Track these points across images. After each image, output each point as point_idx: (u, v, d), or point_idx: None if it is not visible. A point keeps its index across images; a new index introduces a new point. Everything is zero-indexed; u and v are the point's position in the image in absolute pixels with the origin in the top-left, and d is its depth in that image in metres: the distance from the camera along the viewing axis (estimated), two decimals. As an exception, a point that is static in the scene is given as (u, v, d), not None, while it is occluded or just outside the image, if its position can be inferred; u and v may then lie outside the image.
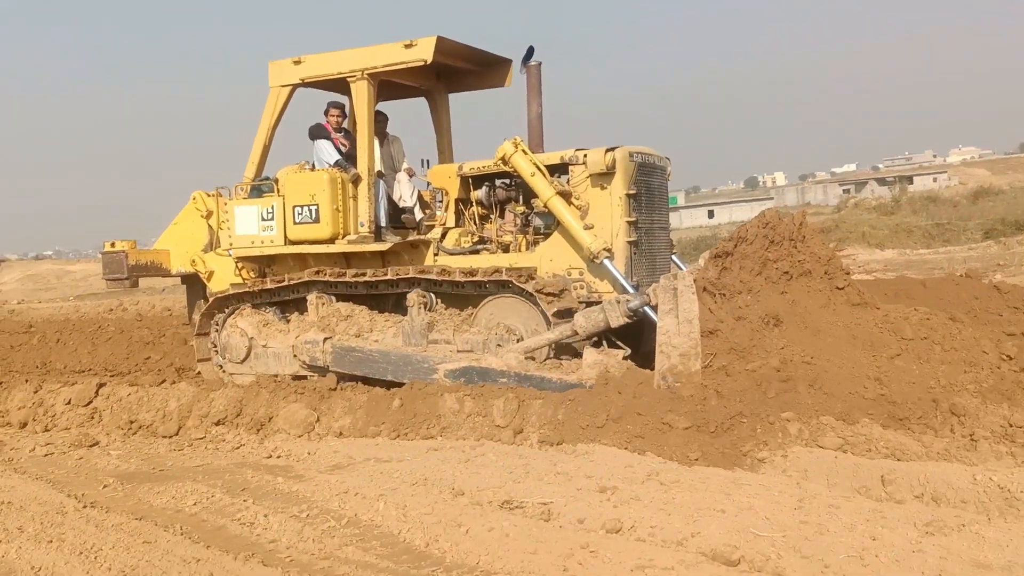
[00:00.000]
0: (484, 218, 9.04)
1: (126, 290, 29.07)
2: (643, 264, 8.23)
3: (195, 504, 5.46)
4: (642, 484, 5.26)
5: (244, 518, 5.15)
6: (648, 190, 8.33)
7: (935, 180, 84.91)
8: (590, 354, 7.09)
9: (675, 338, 6.39)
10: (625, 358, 7.13)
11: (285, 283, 8.85)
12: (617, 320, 7.20)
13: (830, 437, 5.82)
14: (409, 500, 5.17)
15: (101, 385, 8.31)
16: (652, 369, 6.56)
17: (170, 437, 7.41)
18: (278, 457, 6.58)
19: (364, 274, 8.48)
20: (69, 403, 8.03)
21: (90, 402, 8.02)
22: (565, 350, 7.76)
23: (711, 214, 79.16)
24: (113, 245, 10.10)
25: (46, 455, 7.01)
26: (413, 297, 8.22)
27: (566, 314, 7.55)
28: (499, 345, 7.69)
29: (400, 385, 7.64)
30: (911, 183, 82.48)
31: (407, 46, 8.29)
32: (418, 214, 9.29)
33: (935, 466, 5.17)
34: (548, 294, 7.61)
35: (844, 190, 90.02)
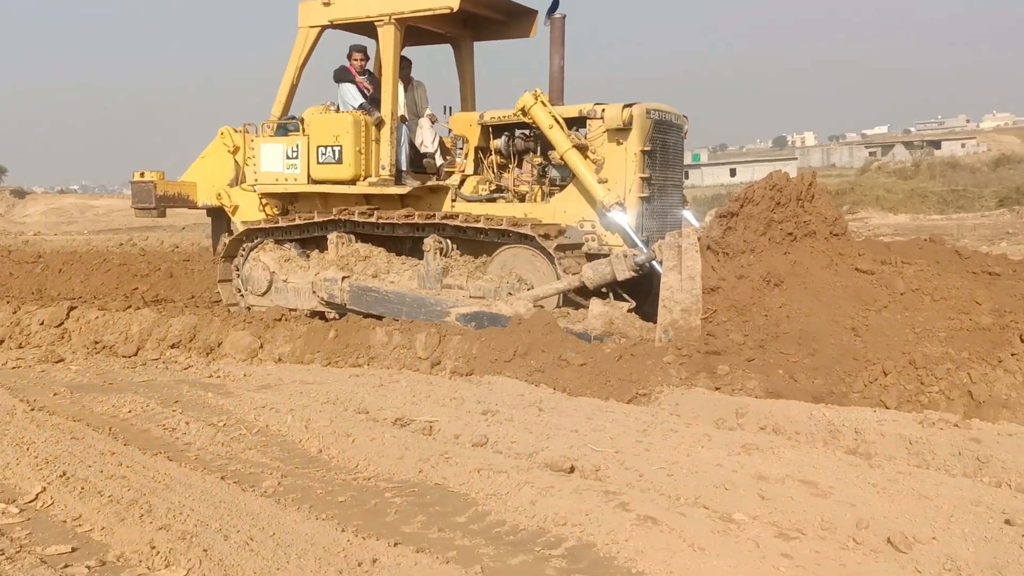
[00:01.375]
0: (502, 167, 9.21)
1: (144, 224, 30.07)
2: (654, 220, 8.40)
3: (129, 412, 6.07)
4: (523, 409, 5.87)
5: (168, 424, 5.81)
6: (663, 147, 8.48)
7: (963, 146, 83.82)
8: (596, 305, 7.37)
9: (677, 293, 6.61)
10: (630, 311, 7.46)
11: (312, 220, 9.15)
12: (623, 273, 7.39)
13: (703, 377, 6.46)
14: (315, 415, 5.79)
15: (72, 308, 8.76)
16: (655, 323, 6.84)
17: (128, 357, 7.99)
18: (218, 377, 7.18)
19: (391, 216, 8.71)
20: (43, 323, 8.49)
21: (61, 323, 8.47)
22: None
23: (733, 172, 78.73)
24: (143, 175, 10.41)
25: (14, 368, 7.57)
26: (430, 242, 8.42)
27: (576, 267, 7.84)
28: (510, 293, 7.89)
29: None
30: (938, 148, 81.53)
31: None
32: (438, 160, 9.46)
33: (782, 403, 5.75)
34: (563, 247, 7.93)
35: (870, 152, 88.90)
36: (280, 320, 8.22)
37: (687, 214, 9.00)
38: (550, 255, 7.89)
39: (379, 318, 8.30)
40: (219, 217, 10.60)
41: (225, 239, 10.07)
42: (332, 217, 8.99)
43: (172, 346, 8.11)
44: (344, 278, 8.66)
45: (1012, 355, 6.01)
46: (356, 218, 8.82)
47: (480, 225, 8.20)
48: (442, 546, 3.81)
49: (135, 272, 13.00)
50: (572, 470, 4.71)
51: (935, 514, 3.92)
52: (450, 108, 9.80)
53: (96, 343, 8.27)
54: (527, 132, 9.04)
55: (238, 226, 9.98)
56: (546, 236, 7.93)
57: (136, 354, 8.10)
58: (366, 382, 6.75)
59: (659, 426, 5.41)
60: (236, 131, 10.01)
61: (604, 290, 7.73)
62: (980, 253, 7.96)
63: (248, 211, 9.95)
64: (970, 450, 4.73)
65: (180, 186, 10.42)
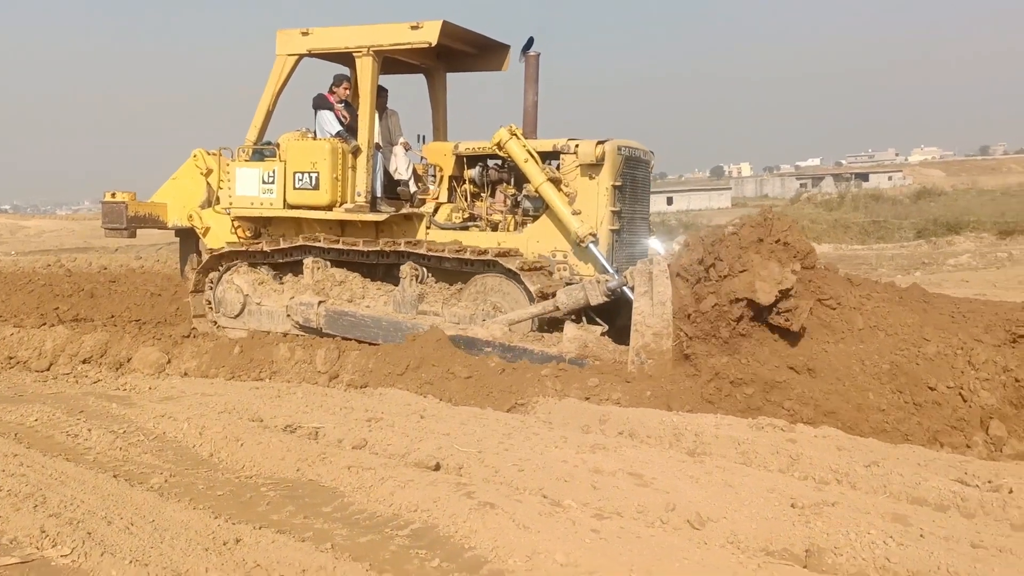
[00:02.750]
0: (475, 196, 9.41)
1: (75, 246, 29.84)
2: (623, 251, 8.71)
3: (35, 420, 6.42)
4: (406, 417, 6.40)
5: (71, 431, 6.19)
6: (633, 182, 8.80)
7: (890, 178, 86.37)
8: (570, 328, 7.62)
9: (649, 318, 6.90)
10: (603, 334, 7.69)
11: (288, 246, 9.31)
12: (596, 298, 7.67)
13: (575, 389, 7.08)
14: (210, 423, 6.23)
15: (-11, 326, 8.92)
16: (627, 345, 7.12)
17: (41, 372, 8.31)
18: (124, 390, 7.57)
19: (376, 243, 8.90)
20: (-40, 340, 8.80)
21: (-22, 341, 8.78)
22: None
23: (670, 201, 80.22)
24: (114, 195, 10.43)
25: (-72, 382, 7.94)
26: (406, 269, 8.64)
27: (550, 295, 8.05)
28: (484, 320, 8.09)
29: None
30: (867, 180, 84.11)
31: (413, 27, 8.65)
32: (412, 187, 9.69)
33: (639, 411, 6.39)
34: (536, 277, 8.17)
35: (801, 184, 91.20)
36: (188, 337, 8.65)
37: (654, 242, 9.54)
38: (528, 289, 8.12)
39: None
40: (187, 238, 10.73)
41: (193, 260, 10.33)
42: (315, 244, 9.18)
43: (84, 361, 8.45)
44: (320, 302, 8.85)
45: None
46: (340, 246, 9.07)
47: (466, 256, 8.43)
48: (302, 529, 4.34)
49: (58, 292, 13.11)
50: (437, 467, 5.28)
51: (733, 499, 4.56)
52: (423, 137, 10.08)
53: (10, 358, 8.56)
54: (500, 163, 9.28)
55: (209, 247, 10.09)
56: (530, 269, 8.23)
57: (48, 369, 8.42)
58: (264, 394, 7.23)
59: (524, 430, 6.01)
60: (210, 154, 10.15)
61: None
62: (870, 281, 8.46)
63: (220, 233, 10.09)
64: (786, 449, 5.40)
65: (151, 207, 10.51)
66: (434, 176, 9.75)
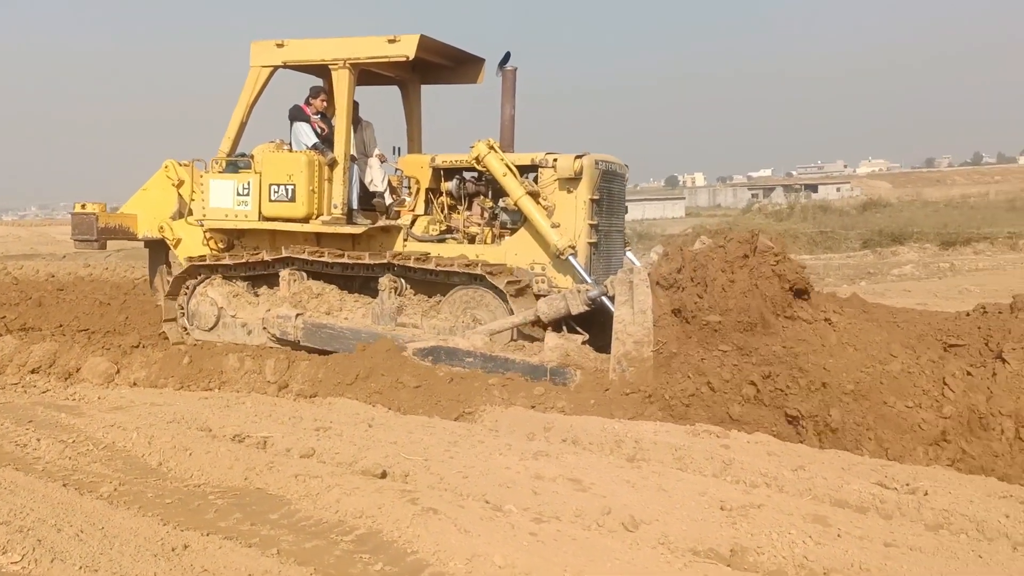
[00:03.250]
0: (452, 208, 9.41)
1: (22, 252, 29.33)
2: (600, 264, 8.75)
3: None
4: (354, 426, 6.55)
5: (20, 441, 6.23)
6: (609, 195, 8.85)
7: (838, 190, 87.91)
8: (551, 338, 7.64)
9: (630, 326, 6.98)
10: (584, 343, 7.71)
11: (270, 258, 9.19)
12: (577, 308, 7.73)
13: (522, 398, 7.27)
14: (159, 432, 6.30)
15: (-62, 336, 8.80)
16: (608, 353, 7.20)
17: None
18: (73, 400, 7.58)
19: (363, 256, 8.84)
20: (-91, 351, 8.70)
21: (-73, 350, 8.68)
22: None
23: (625, 210, 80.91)
24: (84, 207, 10.26)
25: None
26: (385, 281, 8.61)
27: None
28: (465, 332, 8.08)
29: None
30: (816, 191, 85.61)
31: (391, 41, 8.66)
32: (387, 199, 9.68)
33: (582, 419, 6.60)
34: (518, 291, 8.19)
35: (752, 195, 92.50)
36: (137, 347, 8.68)
37: (629, 255, 9.65)
38: (499, 288, 8.19)
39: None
40: (156, 250, 10.62)
41: (163, 271, 10.24)
42: (301, 256, 9.08)
43: (32, 371, 8.43)
44: (298, 315, 8.77)
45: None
46: (327, 258, 8.99)
47: (452, 269, 8.44)
48: (249, 535, 4.47)
49: (4, 301, 12.99)
50: (384, 475, 5.42)
51: (667, 503, 4.78)
52: (399, 148, 10.07)
53: (-40, 369, 8.53)
54: (477, 176, 9.29)
55: (181, 260, 9.98)
56: (514, 283, 8.25)
57: (-4, 379, 8.42)
58: (214, 404, 7.30)
59: (470, 438, 6.19)
60: (181, 165, 10.05)
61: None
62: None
63: (192, 245, 9.98)
64: (720, 455, 5.64)
65: (121, 218, 10.36)
66: (408, 188, 9.78)
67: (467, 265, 8.43)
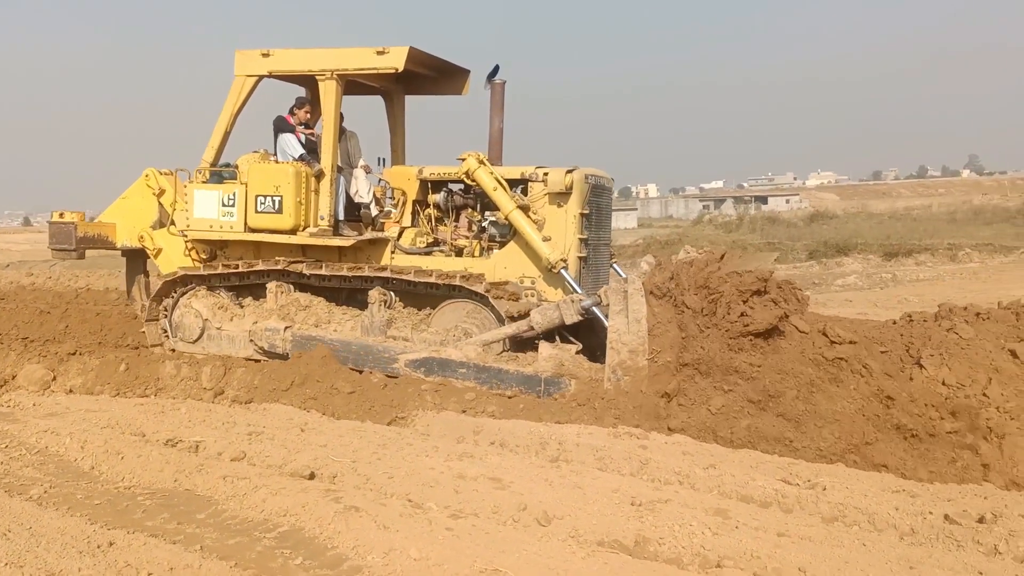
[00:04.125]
0: (438, 220, 9.36)
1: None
2: (589, 277, 8.76)
3: None
4: (287, 431, 6.69)
5: (-47, 446, 6.37)
6: (598, 209, 8.86)
7: (787, 201, 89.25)
8: (545, 348, 7.66)
9: (625, 336, 7.01)
10: (578, 352, 7.76)
11: (260, 267, 9.04)
12: (571, 317, 7.76)
13: (454, 403, 7.46)
14: (92, 437, 6.37)
15: None
16: (602, 363, 7.27)
17: None
18: (8, 407, 7.65)
19: (361, 268, 8.78)
20: None
21: None
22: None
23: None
24: (62, 216, 10.08)
25: None
26: (375, 294, 8.55)
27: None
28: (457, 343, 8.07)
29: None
30: (765, 203, 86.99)
31: (379, 53, 8.61)
32: (373, 210, 9.60)
33: (510, 423, 6.83)
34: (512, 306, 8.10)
35: (704, 206, 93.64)
36: (74, 355, 8.72)
37: (615, 267, 9.67)
38: (498, 312, 8.16)
39: None
40: (134, 259, 10.48)
41: (140, 281, 10.15)
42: (299, 268, 8.93)
43: (-32, 380, 8.47)
44: (287, 328, 8.64)
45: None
46: (323, 271, 8.87)
47: (443, 281, 8.33)
48: (175, 533, 4.62)
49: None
50: (312, 476, 5.59)
51: (580, 499, 5.01)
52: (384, 160, 9.95)
53: None
54: (465, 188, 9.23)
55: (161, 270, 9.84)
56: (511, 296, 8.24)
57: (-69, 385, 8.41)
58: (149, 410, 7.40)
59: (399, 441, 6.37)
60: (162, 173, 9.91)
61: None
62: None
63: (172, 255, 9.83)
64: (638, 455, 5.89)
65: (99, 227, 10.15)
66: (392, 199, 9.70)
67: (466, 279, 8.35)
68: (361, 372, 8.08)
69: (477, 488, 5.23)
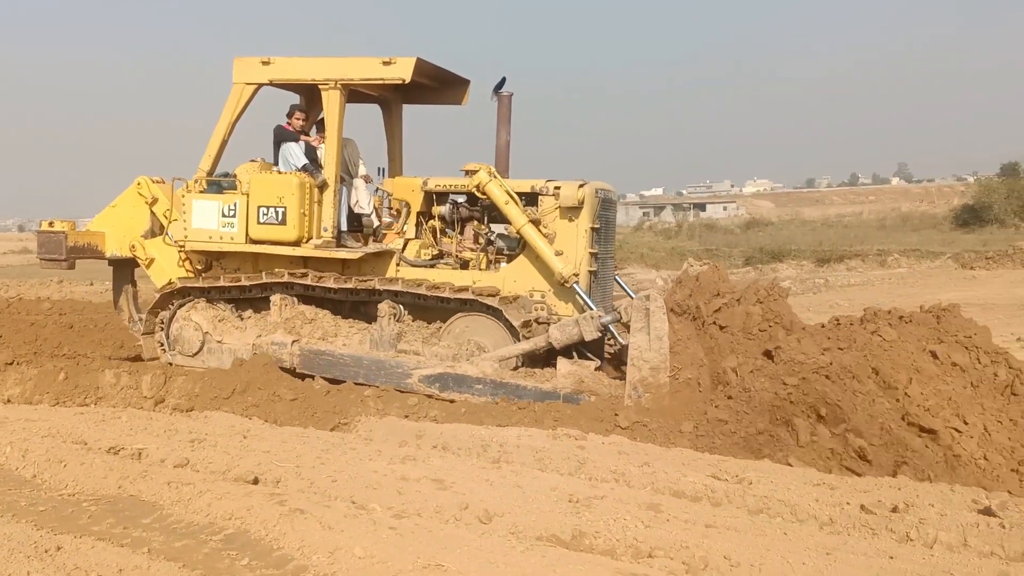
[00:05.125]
0: (442, 232, 9.27)
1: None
2: (598, 291, 8.71)
3: None
4: (230, 437, 6.76)
5: None
6: (606, 223, 8.80)
7: (725, 209, 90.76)
8: (564, 364, 7.64)
9: (646, 353, 7.01)
10: (597, 368, 7.76)
11: (288, 278, 8.85)
12: (590, 333, 7.73)
13: (396, 408, 7.60)
14: (33, 446, 6.35)
15: None
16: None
17: None
18: (-57, 418, 7.63)
19: (371, 280, 8.63)
20: None
21: None
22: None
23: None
24: (51, 225, 9.82)
25: None
26: (384, 307, 8.45)
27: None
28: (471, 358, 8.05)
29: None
30: (704, 210, 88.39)
31: (386, 63, 8.48)
32: (374, 221, 9.50)
33: (452, 426, 7.02)
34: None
35: (644, 213, 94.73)
36: (11, 364, 8.64)
37: (618, 280, 9.67)
38: (513, 327, 8.09)
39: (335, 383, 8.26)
40: (121, 268, 10.27)
41: (128, 291, 9.99)
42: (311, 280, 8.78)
43: (-98, 390, 8.36)
44: (294, 341, 8.50)
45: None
46: (335, 284, 8.69)
47: (473, 297, 8.25)
48: (121, 537, 4.69)
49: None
50: (256, 481, 5.69)
51: (520, 497, 5.20)
52: (383, 169, 9.88)
53: None
54: (470, 200, 9.15)
55: (154, 280, 9.72)
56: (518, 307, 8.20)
57: None
58: (89, 419, 7.36)
59: (342, 446, 6.49)
60: (154, 182, 9.74)
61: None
62: None
63: (165, 265, 9.68)
64: (576, 455, 6.10)
65: (89, 236, 9.91)
66: (390, 209, 9.64)
67: (507, 301, 8.26)
68: (336, 382, 8.09)
69: (420, 489, 5.38)
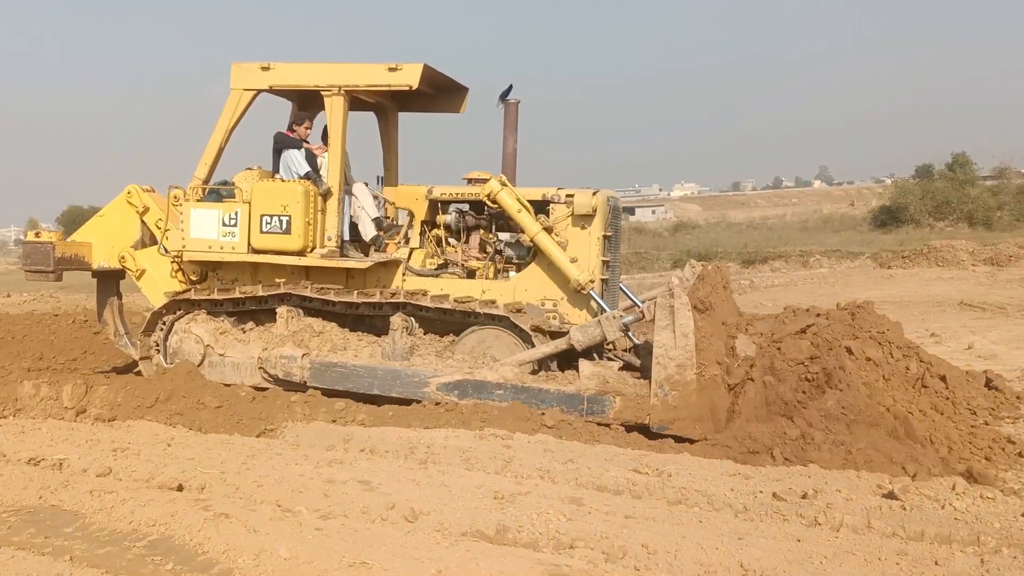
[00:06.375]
0: (446, 241, 9.13)
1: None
2: (609, 299, 8.60)
3: None
4: (153, 446, 6.73)
5: None
6: (616, 231, 8.76)
7: (653, 212, 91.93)
8: (587, 366, 7.49)
9: (672, 351, 6.90)
10: (621, 368, 7.63)
11: (280, 291, 8.61)
12: (613, 334, 7.61)
13: (323, 413, 7.61)
14: (-56, 464, 6.32)
15: None
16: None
17: None
18: None
19: (423, 296, 8.35)
20: None
21: None
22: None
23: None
24: (38, 235, 9.48)
25: None
26: (397, 320, 8.24)
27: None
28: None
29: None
30: (633, 214, 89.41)
31: (391, 69, 8.28)
32: (374, 228, 9.19)
33: (379, 430, 7.07)
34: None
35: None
36: (-71, 378, 8.42)
37: (623, 288, 9.53)
38: (521, 328, 8.00)
39: (349, 395, 8.05)
40: (106, 280, 9.93)
41: (114, 303, 9.68)
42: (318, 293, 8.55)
43: None
44: (304, 355, 8.26)
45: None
46: (354, 299, 8.50)
47: (501, 312, 8.04)
48: (43, 546, 4.65)
49: None
50: (180, 488, 5.66)
51: (446, 496, 5.28)
52: (381, 178, 9.75)
53: None
54: (477, 208, 9.03)
55: (146, 293, 9.53)
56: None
57: None
58: (8, 430, 7.18)
59: (268, 452, 6.50)
60: (145, 190, 9.51)
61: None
62: None
63: (157, 276, 9.43)
64: (502, 454, 6.21)
65: (76, 247, 9.56)
66: (387, 218, 9.47)
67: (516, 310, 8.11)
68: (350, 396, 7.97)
69: (346, 491, 5.43)
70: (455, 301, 8.22)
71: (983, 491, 5.03)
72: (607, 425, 7.10)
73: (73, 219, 48.72)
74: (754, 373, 7.01)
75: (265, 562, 4.35)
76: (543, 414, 7.16)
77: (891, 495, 5.01)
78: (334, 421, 7.51)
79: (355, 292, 8.57)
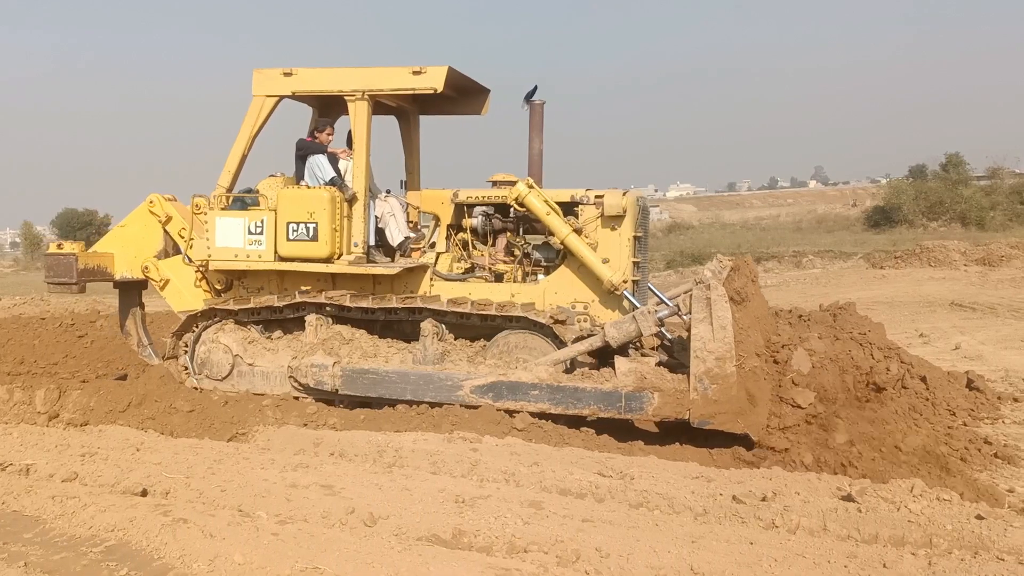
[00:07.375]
0: (472, 244, 9.04)
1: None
2: (639, 300, 8.43)
3: None
4: (122, 451, 6.73)
5: None
6: (645, 231, 8.63)
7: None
8: (623, 363, 7.37)
9: (710, 343, 6.76)
10: (658, 364, 7.52)
11: (394, 304, 8.37)
12: (648, 329, 7.50)
13: (295, 417, 7.62)
14: (-86, 465, 6.32)
15: None
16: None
17: None
18: None
19: (467, 303, 8.23)
20: None
21: None
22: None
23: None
24: (60, 246, 9.44)
25: None
26: (427, 326, 8.18)
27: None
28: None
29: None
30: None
31: (416, 73, 8.22)
32: (398, 236, 9.14)
33: (349, 433, 7.10)
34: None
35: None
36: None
37: (652, 288, 9.38)
38: (550, 329, 7.94)
39: (381, 403, 8.01)
40: (128, 290, 9.88)
41: (136, 314, 9.63)
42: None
43: None
44: (335, 363, 8.16)
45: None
46: (395, 304, 8.34)
47: (534, 316, 7.97)
48: (-1, 552, 4.63)
49: None
50: (144, 493, 5.66)
51: (408, 500, 5.29)
52: (404, 182, 9.70)
53: None
54: (503, 211, 8.94)
55: (170, 302, 9.47)
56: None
57: None
58: (-22, 435, 7.25)
59: (236, 456, 6.50)
60: (167, 199, 9.44)
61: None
62: None
63: (181, 286, 9.39)
64: (469, 457, 6.21)
65: (98, 258, 9.49)
66: (409, 222, 9.40)
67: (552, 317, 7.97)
68: (381, 404, 7.96)
69: (308, 496, 5.43)
70: (497, 307, 8.16)
71: (940, 493, 5.03)
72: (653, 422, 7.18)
73: (68, 221, 48.58)
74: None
75: (219, 567, 4.35)
76: (513, 416, 7.16)
77: (849, 497, 5.01)
78: (305, 425, 7.53)
79: (417, 298, 8.46)
